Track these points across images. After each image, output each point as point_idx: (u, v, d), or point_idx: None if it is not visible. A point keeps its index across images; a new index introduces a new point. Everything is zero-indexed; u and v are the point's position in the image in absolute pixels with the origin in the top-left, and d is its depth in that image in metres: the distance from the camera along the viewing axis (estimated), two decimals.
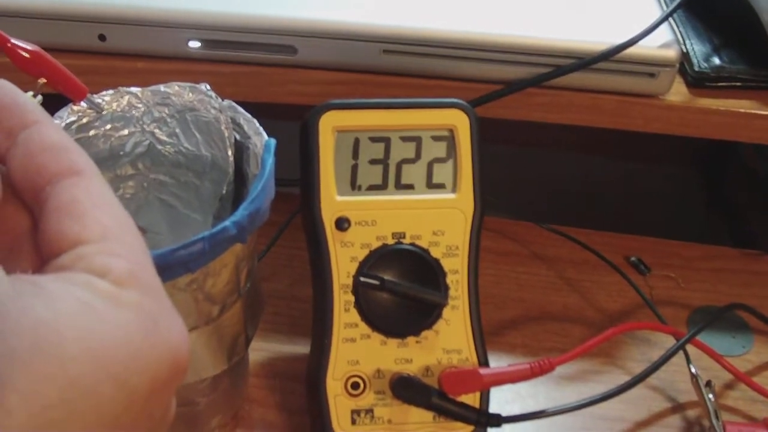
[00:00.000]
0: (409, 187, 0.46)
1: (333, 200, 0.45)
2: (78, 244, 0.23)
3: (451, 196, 0.46)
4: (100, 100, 0.44)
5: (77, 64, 0.51)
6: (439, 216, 0.46)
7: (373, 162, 0.46)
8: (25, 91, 0.27)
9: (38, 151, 0.24)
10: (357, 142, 0.46)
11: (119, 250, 0.23)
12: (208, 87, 0.45)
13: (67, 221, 0.23)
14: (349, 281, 0.45)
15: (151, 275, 0.23)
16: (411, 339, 0.45)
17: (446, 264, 0.46)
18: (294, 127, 0.46)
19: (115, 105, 0.45)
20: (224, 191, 0.45)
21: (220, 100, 0.45)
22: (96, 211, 0.23)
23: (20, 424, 0.19)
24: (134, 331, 0.21)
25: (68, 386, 0.20)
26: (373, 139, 0.46)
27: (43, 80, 0.37)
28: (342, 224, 0.45)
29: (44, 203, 0.24)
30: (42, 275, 0.22)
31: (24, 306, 0.20)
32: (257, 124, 0.43)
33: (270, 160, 0.40)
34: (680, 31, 0.59)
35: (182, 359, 0.23)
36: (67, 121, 0.43)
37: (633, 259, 0.62)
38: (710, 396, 0.50)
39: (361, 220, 0.45)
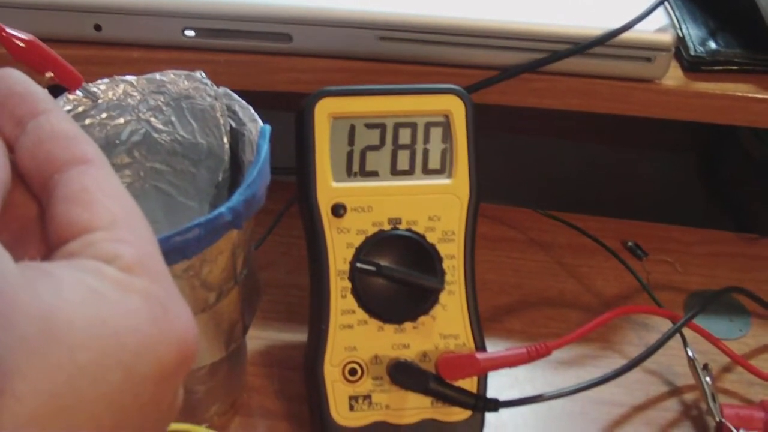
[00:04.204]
0: (405, 172, 0.46)
1: (329, 187, 0.45)
2: (87, 231, 0.23)
3: (447, 181, 0.46)
4: (95, 89, 0.44)
5: (73, 54, 0.51)
6: (435, 201, 0.46)
7: (369, 148, 0.46)
8: None
9: (47, 139, 0.24)
10: (353, 128, 0.46)
11: (128, 237, 0.23)
12: (204, 75, 0.45)
13: (75, 209, 0.23)
14: (346, 267, 0.45)
15: (159, 263, 0.23)
16: (408, 324, 0.46)
17: (442, 249, 0.46)
18: (290, 116, 0.46)
19: (110, 94, 0.45)
20: (220, 179, 0.45)
21: (215, 87, 0.45)
22: (105, 199, 0.23)
23: (29, 411, 0.19)
24: (143, 318, 0.21)
25: (77, 374, 0.20)
26: (369, 126, 0.46)
27: (50, 74, 0.37)
28: (338, 210, 0.45)
29: (52, 191, 0.24)
30: (51, 262, 0.22)
31: (33, 293, 0.20)
32: (252, 111, 0.43)
33: (265, 146, 0.40)
34: (676, 16, 0.58)
35: (190, 347, 0.23)
36: (63, 110, 0.43)
37: (630, 243, 0.62)
38: (707, 379, 0.50)
39: (357, 206, 0.45)
